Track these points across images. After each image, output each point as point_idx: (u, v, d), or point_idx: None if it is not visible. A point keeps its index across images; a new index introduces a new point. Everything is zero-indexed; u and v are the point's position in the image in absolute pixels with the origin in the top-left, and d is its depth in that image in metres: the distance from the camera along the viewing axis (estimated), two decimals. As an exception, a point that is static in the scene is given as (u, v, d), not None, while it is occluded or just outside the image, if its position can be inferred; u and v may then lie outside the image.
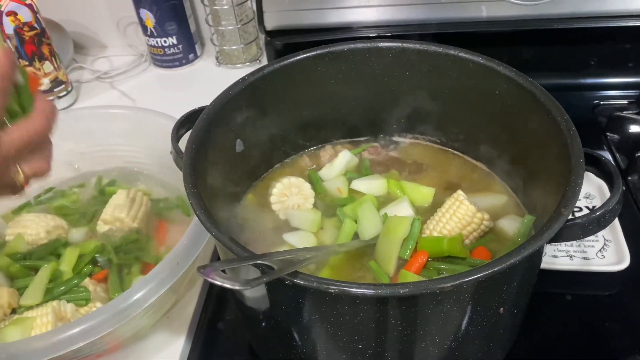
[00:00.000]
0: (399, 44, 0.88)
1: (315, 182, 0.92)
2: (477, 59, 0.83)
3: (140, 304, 0.76)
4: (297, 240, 0.83)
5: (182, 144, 0.77)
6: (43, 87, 1.33)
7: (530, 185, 0.83)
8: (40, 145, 0.64)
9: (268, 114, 0.90)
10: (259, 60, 1.52)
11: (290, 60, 0.87)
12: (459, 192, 0.80)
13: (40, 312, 0.82)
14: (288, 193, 0.90)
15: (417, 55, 0.88)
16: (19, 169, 0.64)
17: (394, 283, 0.54)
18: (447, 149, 0.97)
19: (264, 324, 0.72)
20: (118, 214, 0.98)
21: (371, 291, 0.53)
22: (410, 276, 0.72)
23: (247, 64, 1.50)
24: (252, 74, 0.85)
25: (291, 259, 0.56)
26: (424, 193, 0.88)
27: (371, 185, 0.90)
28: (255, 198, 0.93)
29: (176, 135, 0.81)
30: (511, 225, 0.82)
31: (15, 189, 0.65)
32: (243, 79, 0.84)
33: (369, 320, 0.60)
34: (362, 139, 1.01)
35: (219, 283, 0.47)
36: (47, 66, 1.32)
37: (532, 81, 0.77)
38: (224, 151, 0.83)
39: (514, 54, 1.25)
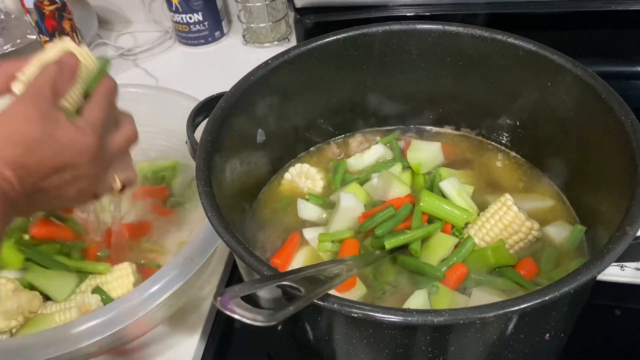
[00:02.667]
0: (440, 27, 0.79)
1: (339, 171, 0.86)
2: (528, 45, 0.74)
3: (151, 302, 0.71)
4: (314, 235, 0.77)
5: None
6: (64, 64, 1.29)
7: (583, 189, 0.74)
8: (126, 154, 0.69)
9: (293, 101, 0.83)
10: (288, 39, 1.44)
11: (318, 42, 0.80)
12: (507, 196, 0.71)
13: (61, 307, 0.78)
14: (298, 180, 0.85)
15: (459, 39, 0.79)
16: (116, 177, 0.67)
17: (427, 310, 0.47)
18: (490, 142, 0.88)
19: (283, 337, 0.66)
20: None
21: (400, 318, 0.46)
22: (446, 293, 0.65)
23: (275, 42, 1.42)
24: (275, 57, 0.78)
25: (318, 276, 0.49)
26: None
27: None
28: (274, 190, 0.86)
29: (192, 123, 0.74)
30: (559, 234, 0.74)
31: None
32: (266, 63, 0.77)
33: (396, 345, 0.53)
34: (394, 127, 0.93)
35: (238, 317, 0.40)
36: (68, 42, 1.27)
37: (592, 73, 0.67)
38: (243, 142, 0.77)
39: (565, 38, 1.13)
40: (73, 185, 0.60)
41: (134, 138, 0.69)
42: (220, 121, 0.69)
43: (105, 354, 0.78)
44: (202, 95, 1.01)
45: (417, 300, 0.65)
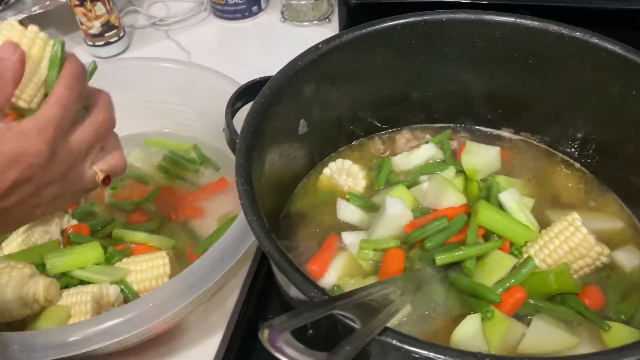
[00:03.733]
0: (512, 19, 0.71)
1: (384, 170, 0.79)
2: (613, 47, 0.66)
3: (176, 304, 0.65)
4: (354, 240, 0.71)
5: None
6: (93, 31, 1.22)
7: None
8: (107, 140, 0.61)
9: (340, 90, 0.76)
10: (329, 19, 1.35)
11: (374, 27, 0.72)
12: (575, 215, 0.64)
13: (78, 300, 0.72)
14: (338, 177, 0.79)
15: (532, 35, 0.71)
16: (97, 169, 0.60)
17: (501, 356, 0.40)
18: (554, 151, 0.80)
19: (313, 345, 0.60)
20: None
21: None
22: (501, 319, 0.58)
23: (315, 22, 1.34)
24: (326, 41, 0.70)
25: (370, 303, 0.43)
26: None
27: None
28: (312, 186, 0.79)
29: (231, 109, 0.68)
30: (630, 261, 0.66)
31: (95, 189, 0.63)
32: (316, 46, 0.70)
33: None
34: (446, 125, 0.85)
35: None
36: (99, 8, 1.20)
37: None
38: (284, 134, 0.70)
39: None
40: (42, 195, 0.54)
41: (107, 125, 0.60)
42: (264, 110, 0.63)
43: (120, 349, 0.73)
44: (236, 74, 0.95)
45: (470, 326, 0.59)
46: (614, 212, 0.72)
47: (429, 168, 0.78)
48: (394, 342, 0.41)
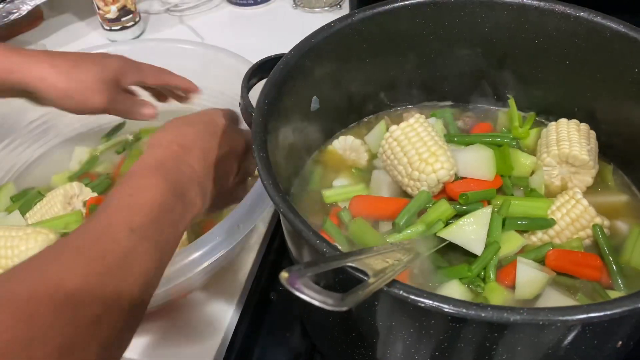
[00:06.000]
0: (519, 0, 0.73)
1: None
2: (617, 26, 0.67)
3: (189, 270, 0.68)
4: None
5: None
6: (110, 16, 1.25)
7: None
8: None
9: (351, 68, 0.78)
10: (340, 6, 1.38)
11: (385, 7, 0.74)
12: (576, 189, 0.66)
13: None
14: (342, 152, 0.82)
15: (538, 15, 0.73)
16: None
17: (503, 307, 0.42)
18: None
19: (324, 316, 0.63)
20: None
21: (473, 312, 0.42)
22: (499, 290, 0.61)
23: (327, 8, 1.37)
24: (339, 20, 0.73)
25: (384, 260, 0.45)
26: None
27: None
28: (321, 161, 0.82)
29: (247, 84, 0.70)
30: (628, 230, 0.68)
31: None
32: (329, 25, 0.72)
33: (457, 338, 0.49)
34: (453, 103, 0.88)
35: (307, 298, 0.37)
36: (116, -7, 1.24)
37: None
38: (297, 109, 0.73)
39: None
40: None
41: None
42: (279, 84, 0.65)
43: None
44: (249, 59, 0.97)
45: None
46: (617, 185, 0.74)
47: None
48: (401, 292, 0.43)
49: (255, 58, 0.75)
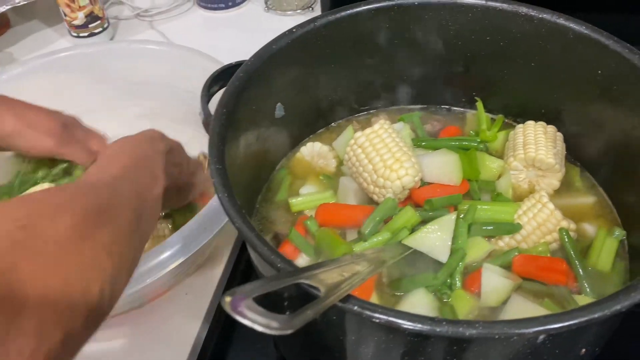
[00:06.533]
0: (482, 2, 0.72)
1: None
2: (579, 28, 0.67)
3: (142, 280, 0.66)
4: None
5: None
6: (77, 22, 1.23)
7: (628, 188, 0.68)
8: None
9: (316, 74, 0.78)
10: (312, 8, 1.36)
11: (347, 12, 0.73)
12: (542, 192, 0.65)
13: None
14: (309, 159, 0.81)
15: (502, 17, 0.72)
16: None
17: (458, 320, 0.41)
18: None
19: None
20: None
21: (428, 327, 0.41)
22: (465, 298, 0.60)
23: (299, 11, 1.35)
24: (301, 25, 0.72)
25: (340, 274, 0.44)
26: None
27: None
28: (289, 168, 0.81)
29: (207, 93, 0.69)
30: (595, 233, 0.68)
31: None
32: (290, 31, 0.71)
33: (419, 352, 0.48)
34: (421, 106, 0.87)
35: (248, 323, 0.35)
36: (83, -1, 1.21)
37: (652, 61, 0.61)
38: (260, 117, 0.71)
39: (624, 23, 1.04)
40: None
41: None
42: (238, 93, 0.64)
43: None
44: (221, 63, 0.96)
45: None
46: (584, 188, 0.74)
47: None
48: (355, 308, 0.42)
49: (227, 62, 0.73)
